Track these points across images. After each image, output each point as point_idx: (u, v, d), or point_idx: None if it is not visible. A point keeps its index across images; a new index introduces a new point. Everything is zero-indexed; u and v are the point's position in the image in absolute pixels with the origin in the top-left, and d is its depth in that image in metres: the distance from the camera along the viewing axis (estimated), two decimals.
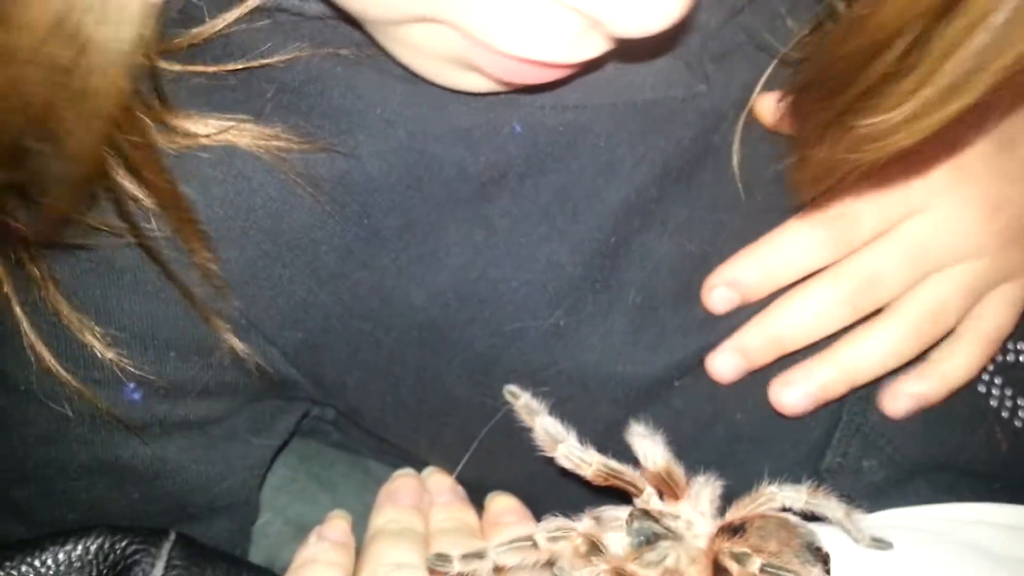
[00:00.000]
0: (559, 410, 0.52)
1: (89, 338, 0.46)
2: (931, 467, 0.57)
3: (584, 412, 0.52)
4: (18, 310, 0.46)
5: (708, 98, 0.51)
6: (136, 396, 0.48)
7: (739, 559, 0.43)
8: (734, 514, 0.47)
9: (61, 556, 0.46)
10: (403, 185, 0.48)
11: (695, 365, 0.53)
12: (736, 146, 0.52)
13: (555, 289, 0.51)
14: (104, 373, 0.47)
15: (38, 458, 0.49)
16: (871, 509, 0.55)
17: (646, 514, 0.46)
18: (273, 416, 0.55)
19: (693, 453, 0.54)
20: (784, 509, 0.47)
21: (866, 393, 0.56)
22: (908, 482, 0.56)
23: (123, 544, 0.47)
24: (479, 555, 0.44)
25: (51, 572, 0.46)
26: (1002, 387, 0.58)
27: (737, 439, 0.56)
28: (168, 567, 0.47)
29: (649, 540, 0.45)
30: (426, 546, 0.51)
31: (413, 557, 0.48)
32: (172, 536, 0.48)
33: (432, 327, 0.51)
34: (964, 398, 0.56)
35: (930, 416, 0.56)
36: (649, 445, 0.48)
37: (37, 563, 0.46)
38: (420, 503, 0.54)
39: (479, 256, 0.50)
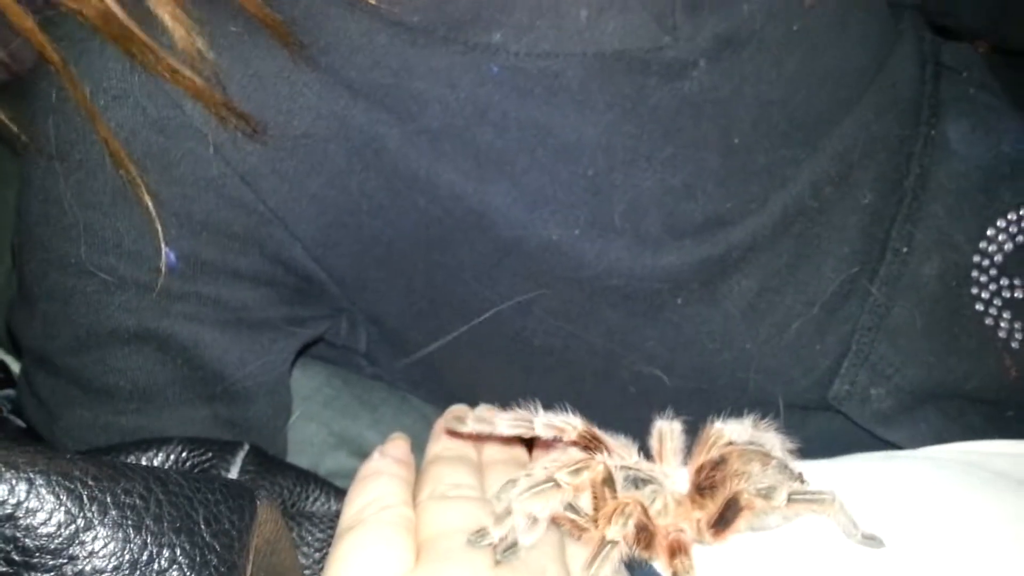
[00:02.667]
0: (561, 315, 0.57)
1: (145, 200, 0.51)
2: (940, 395, 0.59)
3: (586, 317, 0.57)
4: (72, 180, 0.51)
5: (673, 48, 0.54)
6: (173, 260, 0.52)
7: (737, 477, 0.45)
8: (702, 456, 0.48)
9: (143, 462, 0.50)
10: (395, 116, 0.52)
11: (690, 280, 0.56)
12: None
13: (544, 211, 0.54)
14: (146, 244, 0.52)
15: (89, 326, 0.53)
16: (882, 436, 0.59)
17: (625, 466, 0.47)
18: (302, 320, 0.59)
19: (704, 379, 0.58)
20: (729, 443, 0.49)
21: (876, 323, 0.58)
22: (917, 409, 0.59)
23: (200, 452, 0.51)
24: (506, 513, 0.43)
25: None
26: (1011, 320, 0.59)
27: (747, 368, 0.58)
28: (242, 472, 0.51)
29: (637, 485, 0.46)
30: (480, 474, 0.51)
31: (470, 480, 0.49)
32: (246, 447, 0.52)
33: (438, 228, 0.55)
34: (971, 330, 0.59)
35: (937, 346, 0.59)
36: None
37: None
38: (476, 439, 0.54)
39: (473, 175, 0.53)
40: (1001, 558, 0.47)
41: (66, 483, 0.29)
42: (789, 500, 0.44)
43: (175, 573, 0.30)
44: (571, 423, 0.47)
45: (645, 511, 0.45)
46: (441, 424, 0.54)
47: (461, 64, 0.52)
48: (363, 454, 0.63)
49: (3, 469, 0.29)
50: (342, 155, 0.53)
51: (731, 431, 0.49)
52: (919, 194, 0.60)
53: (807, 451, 0.56)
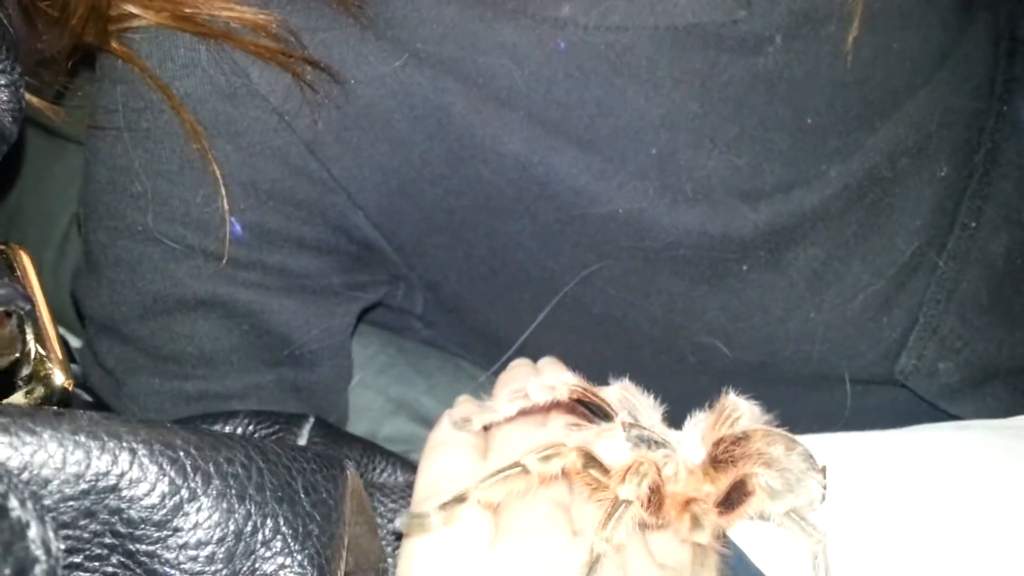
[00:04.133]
0: (622, 285, 0.57)
1: (213, 169, 0.51)
2: (1007, 370, 0.58)
3: (647, 285, 0.56)
4: (140, 150, 0.52)
5: (748, 22, 0.53)
6: (238, 230, 0.53)
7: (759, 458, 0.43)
8: (722, 428, 0.46)
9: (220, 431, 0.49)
10: (464, 84, 0.52)
11: (759, 247, 0.56)
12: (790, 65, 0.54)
13: (611, 183, 0.54)
14: (213, 213, 0.52)
15: (156, 292, 0.54)
16: (947, 411, 0.58)
17: (636, 425, 0.45)
18: (363, 285, 0.60)
19: (766, 350, 0.57)
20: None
21: (945, 296, 0.57)
22: (985, 384, 0.58)
23: (267, 424, 0.50)
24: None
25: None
26: None
27: (812, 340, 0.58)
28: (310, 444, 0.51)
29: (650, 447, 0.43)
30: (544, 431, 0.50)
31: (535, 440, 0.48)
32: (311, 419, 0.51)
33: (500, 197, 0.54)
34: None
35: (1006, 320, 0.58)
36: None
37: None
38: None
39: (539, 145, 0.53)
40: None
41: (168, 452, 0.29)
42: (785, 513, 0.42)
43: (279, 544, 0.30)
44: (561, 381, 0.45)
45: (659, 472, 0.42)
46: (503, 380, 0.54)
47: (528, 40, 0.51)
48: (420, 418, 0.64)
49: (105, 439, 0.28)
50: (406, 124, 0.53)
51: (746, 407, 0.46)
52: (989, 169, 0.59)
53: (869, 424, 0.56)
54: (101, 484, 0.28)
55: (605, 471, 0.42)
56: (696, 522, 0.41)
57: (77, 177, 0.65)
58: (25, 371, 0.32)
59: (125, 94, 0.51)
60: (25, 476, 0.26)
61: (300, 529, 0.30)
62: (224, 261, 0.53)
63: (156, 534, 0.28)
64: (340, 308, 0.59)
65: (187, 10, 0.49)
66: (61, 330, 0.70)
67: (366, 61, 0.51)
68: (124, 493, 0.28)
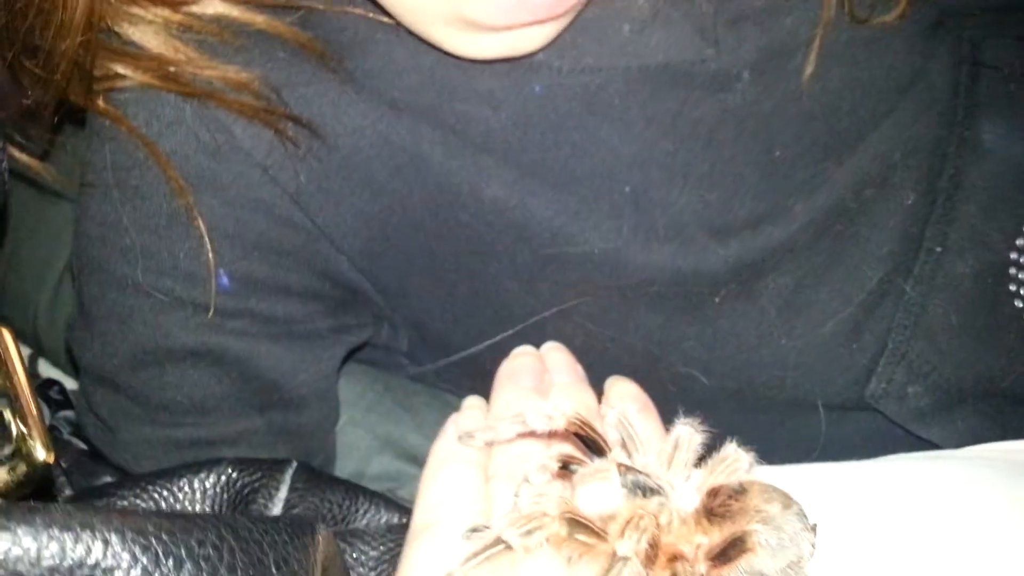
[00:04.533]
0: (601, 320, 0.58)
1: (198, 223, 0.53)
2: (978, 393, 0.59)
3: (625, 320, 0.58)
4: (128, 207, 0.54)
5: (718, 61, 0.54)
6: (225, 282, 0.54)
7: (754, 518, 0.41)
8: (719, 478, 0.44)
9: (196, 483, 0.51)
10: (442, 131, 0.54)
11: (729, 280, 0.57)
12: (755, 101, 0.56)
13: (587, 223, 0.55)
14: (200, 265, 0.54)
15: (147, 344, 0.56)
16: (918, 435, 0.59)
17: (633, 468, 0.42)
18: (348, 328, 0.61)
19: (742, 377, 0.59)
20: None
21: (912, 321, 0.58)
22: (955, 408, 0.59)
23: (250, 471, 0.52)
24: None
25: (187, 497, 0.51)
26: None
27: (783, 365, 0.59)
28: (292, 490, 0.52)
29: (645, 494, 0.41)
30: None
31: (537, 449, 0.47)
32: (294, 464, 0.53)
33: (479, 240, 0.56)
34: (1008, 327, 0.59)
35: (974, 343, 0.59)
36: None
37: (175, 488, 0.51)
38: (540, 384, 0.52)
39: (515, 188, 0.55)
40: None
41: (141, 540, 0.30)
42: (781, 571, 0.41)
43: None
44: (560, 412, 0.43)
45: (657, 525, 0.41)
46: (505, 370, 0.53)
47: (504, 85, 0.53)
48: (408, 456, 0.65)
49: (79, 530, 0.30)
50: (386, 173, 0.54)
51: (746, 459, 0.45)
52: (952, 194, 0.60)
53: (844, 451, 0.57)
54: (77, 575, 0.29)
55: (592, 532, 0.40)
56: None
57: (71, 223, 0.67)
58: (7, 450, 0.33)
59: (113, 152, 0.53)
60: (0, 572, 0.28)
61: None
62: (212, 312, 0.55)
63: None
64: (326, 351, 0.60)
65: (172, 69, 0.52)
66: (57, 373, 0.72)
67: (345, 114, 0.53)
68: None
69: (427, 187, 0.55)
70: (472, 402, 0.52)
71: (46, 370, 0.74)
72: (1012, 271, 0.60)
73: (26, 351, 0.74)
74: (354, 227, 0.56)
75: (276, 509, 0.51)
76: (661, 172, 0.55)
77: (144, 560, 0.30)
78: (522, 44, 0.50)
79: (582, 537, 0.40)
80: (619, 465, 0.42)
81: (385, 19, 0.52)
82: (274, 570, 0.33)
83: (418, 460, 0.64)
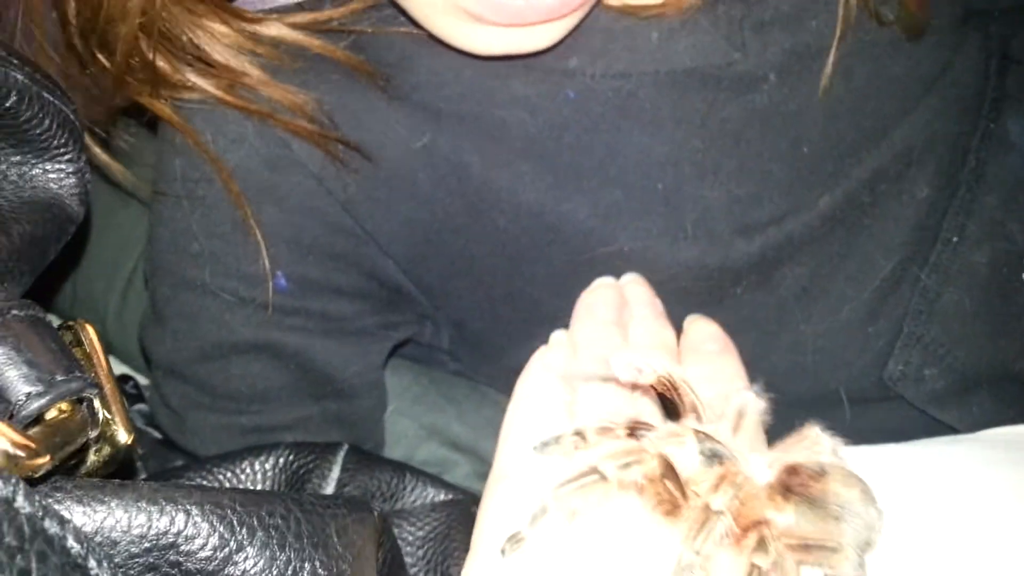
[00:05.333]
0: None
1: (256, 233, 0.58)
2: (993, 378, 0.61)
3: None
4: (197, 215, 0.58)
5: (744, 64, 0.57)
6: (283, 283, 0.59)
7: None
8: (800, 454, 0.42)
9: (256, 466, 0.55)
10: (481, 139, 0.57)
11: (750, 272, 0.60)
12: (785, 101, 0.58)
13: (618, 224, 0.58)
14: (260, 268, 0.58)
15: (214, 339, 0.61)
16: (937, 418, 0.61)
17: (709, 435, 0.41)
18: (395, 324, 0.66)
19: (763, 363, 0.60)
20: None
21: (927, 307, 0.61)
22: (971, 391, 0.61)
23: (305, 454, 0.56)
24: (542, 511, 0.38)
25: (248, 478, 0.55)
26: None
27: (803, 349, 0.61)
28: (343, 470, 0.56)
29: (721, 461, 0.40)
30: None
31: (621, 396, 0.46)
32: (345, 447, 0.57)
33: (516, 244, 0.60)
34: (1019, 312, 0.61)
35: (989, 328, 0.61)
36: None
37: (238, 470, 0.55)
38: (619, 317, 0.52)
39: (550, 193, 0.58)
40: None
41: (218, 511, 0.34)
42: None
43: None
44: (650, 366, 0.42)
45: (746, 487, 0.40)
46: (584, 302, 0.54)
47: (540, 91, 0.57)
48: (451, 443, 0.69)
49: (163, 503, 0.34)
50: (429, 182, 0.58)
51: (828, 443, 0.43)
52: (973, 186, 0.62)
53: (866, 444, 0.59)
54: (162, 542, 0.33)
55: (679, 483, 0.39)
56: (762, 545, 0.38)
57: (138, 228, 0.73)
58: (95, 434, 0.37)
59: (183, 166, 0.58)
60: (98, 539, 0.32)
61: (333, 570, 0.35)
62: (271, 310, 0.59)
63: None
64: (375, 346, 0.65)
65: (236, 85, 0.56)
66: (130, 370, 0.77)
67: (392, 129, 0.57)
68: (182, 548, 0.33)
69: (467, 195, 0.58)
70: (558, 337, 0.52)
71: (116, 367, 0.78)
72: None
73: None
74: (400, 233, 0.60)
75: (329, 488, 0.55)
76: (692, 169, 0.58)
77: (221, 528, 0.34)
78: (529, 42, 0.52)
79: (669, 484, 0.38)
80: (695, 431, 0.41)
81: (422, 33, 0.55)
82: (335, 538, 0.37)
83: (460, 447, 0.69)
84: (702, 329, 0.53)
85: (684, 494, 0.39)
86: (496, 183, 0.58)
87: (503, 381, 0.71)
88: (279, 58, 0.56)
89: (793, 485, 0.40)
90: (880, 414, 0.63)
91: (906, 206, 0.61)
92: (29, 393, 0.34)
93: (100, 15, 0.52)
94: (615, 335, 0.51)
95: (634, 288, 0.56)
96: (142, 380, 0.73)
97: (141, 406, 0.70)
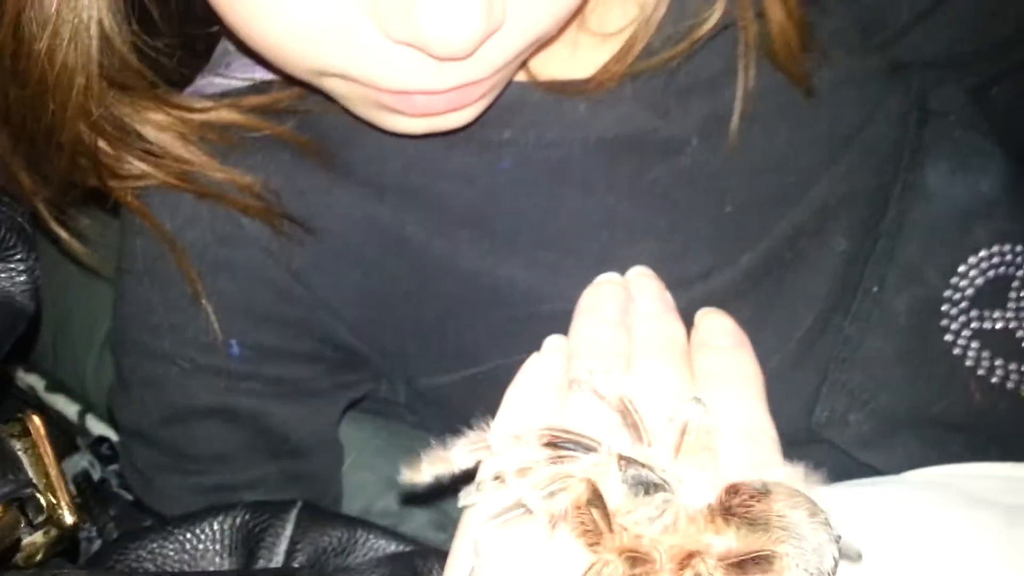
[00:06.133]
0: None
1: (206, 305, 0.62)
2: (915, 421, 0.64)
3: None
4: (156, 290, 0.63)
5: (667, 129, 0.61)
6: (236, 351, 0.63)
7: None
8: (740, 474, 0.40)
9: (215, 526, 0.57)
10: (423, 209, 0.61)
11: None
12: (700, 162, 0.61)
13: (553, 284, 0.61)
14: (212, 337, 0.62)
15: (175, 404, 0.65)
16: (862, 461, 0.63)
17: (635, 462, 0.38)
18: (349, 384, 0.70)
19: None
20: None
21: (849, 355, 0.63)
22: (895, 434, 0.63)
23: (260, 514, 0.59)
24: (476, 553, 0.36)
25: (208, 538, 0.57)
26: (979, 349, 0.64)
27: None
28: (296, 527, 0.59)
29: (648, 491, 0.37)
30: (628, 365, 0.45)
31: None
32: (299, 505, 0.60)
33: (460, 305, 0.63)
34: (939, 359, 0.64)
35: (908, 373, 0.64)
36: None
37: (198, 531, 0.57)
38: (625, 315, 0.49)
39: (489, 257, 0.61)
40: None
41: None
42: None
43: None
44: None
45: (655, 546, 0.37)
46: (588, 298, 0.51)
47: (477, 162, 0.60)
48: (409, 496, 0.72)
49: None
50: (374, 250, 0.62)
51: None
52: (894, 235, 0.65)
53: None
54: None
55: (604, 512, 0.37)
56: None
57: (110, 298, 0.77)
58: (41, 518, 0.41)
59: (143, 245, 0.63)
60: None
61: None
62: (226, 377, 0.64)
63: None
64: (329, 406, 0.69)
65: (188, 171, 0.60)
66: (104, 427, 0.81)
67: (338, 203, 0.61)
68: None
69: (412, 261, 0.62)
70: (553, 343, 0.49)
71: (94, 425, 0.83)
72: (945, 307, 0.65)
73: (76, 407, 0.85)
74: (350, 299, 0.64)
75: (283, 545, 0.59)
76: (623, 229, 0.61)
77: None
78: (447, 123, 0.54)
79: (597, 516, 0.36)
80: (619, 458, 0.38)
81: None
82: None
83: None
84: (714, 323, 0.50)
85: (609, 525, 0.36)
86: (438, 250, 0.61)
87: (461, 434, 0.75)
88: (228, 140, 0.60)
89: (733, 506, 0.37)
90: (810, 457, 0.65)
91: (826, 259, 0.64)
92: None
93: (43, 123, 0.56)
94: (618, 336, 0.47)
95: (641, 281, 0.52)
96: (116, 438, 0.78)
97: (116, 466, 0.74)
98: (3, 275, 0.49)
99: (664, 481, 0.38)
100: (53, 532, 0.43)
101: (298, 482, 0.68)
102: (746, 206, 0.63)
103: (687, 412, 0.40)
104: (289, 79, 0.58)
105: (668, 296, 0.51)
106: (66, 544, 0.44)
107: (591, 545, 0.36)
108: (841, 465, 0.64)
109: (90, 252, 0.69)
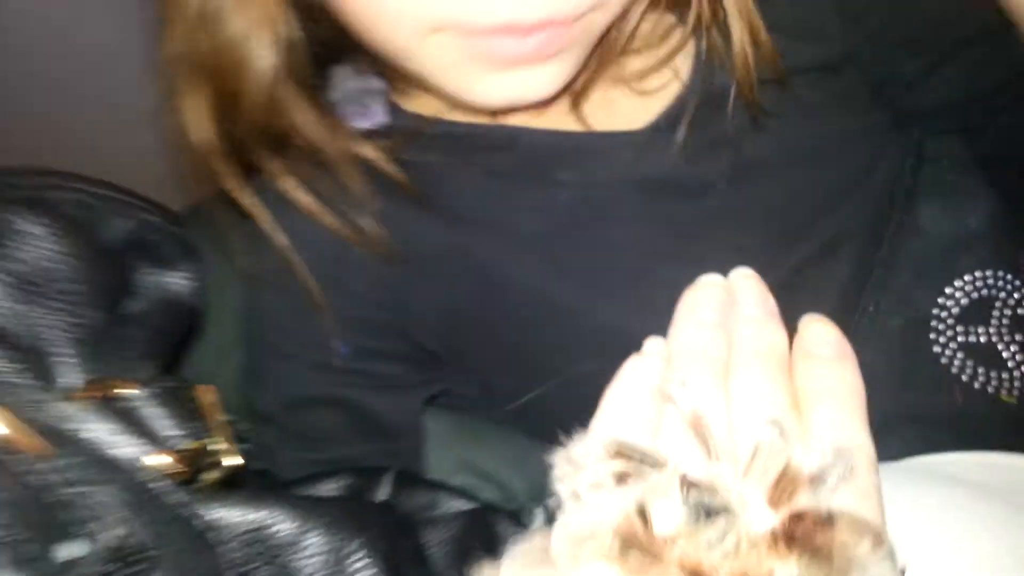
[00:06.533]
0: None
1: (322, 313, 0.73)
2: (909, 418, 0.72)
3: None
4: (280, 297, 0.74)
5: (698, 173, 0.70)
6: (344, 351, 0.75)
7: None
8: (799, 499, 0.36)
9: (324, 488, 0.66)
10: (493, 237, 0.72)
11: None
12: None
13: (602, 301, 0.71)
14: (325, 339, 0.74)
15: (294, 394, 0.78)
16: None
17: (697, 484, 0.36)
18: (433, 380, 0.83)
19: None
20: None
21: None
22: (891, 431, 0.70)
23: (362, 476, 0.68)
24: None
25: (323, 495, 0.66)
26: (964, 359, 0.71)
27: None
28: (392, 487, 0.68)
29: (709, 515, 0.35)
30: (726, 371, 0.42)
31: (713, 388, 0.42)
32: (392, 472, 0.69)
33: (524, 319, 0.73)
34: (927, 368, 0.73)
35: (898, 380, 0.72)
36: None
37: (313, 490, 0.66)
38: (726, 319, 0.46)
39: (547, 278, 0.71)
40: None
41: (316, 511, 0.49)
42: None
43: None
44: (685, 399, 0.38)
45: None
46: (689, 301, 0.49)
47: (538, 197, 0.71)
48: (480, 474, 0.85)
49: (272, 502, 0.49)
50: (454, 272, 0.73)
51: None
52: (889, 266, 0.73)
53: None
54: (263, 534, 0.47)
55: (649, 550, 0.35)
56: None
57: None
58: (210, 460, 0.50)
59: (267, 255, 0.73)
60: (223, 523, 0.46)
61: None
62: (336, 372, 0.78)
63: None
64: (416, 397, 0.82)
65: (315, 192, 0.70)
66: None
67: (424, 230, 0.75)
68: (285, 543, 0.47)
69: (484, 282, 0.73)
70: (653, 346, 0.48)
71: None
72: (933, 323, 0.73)
73: None
74: (433, 311, 0.75)
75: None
76: (659, 257, 0.70)
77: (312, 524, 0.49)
78: (529, 87, 0.61)
79: (637, 555, 0.34)
80: (683, 480, 0.36)
81: (453, 159, 0.71)
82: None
83: (487, 478, 0.85)
84: (818, 332, 0.47)
85: (657, 556, 0.34)
86: (507, 270, 0.72)
87: (524, 424, 0.87)
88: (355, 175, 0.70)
89: (797, 534, 0.35)
90: None
91: (828, 286, 0.72)
92: (172, 435, 0.47)
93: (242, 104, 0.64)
94: (717, 340, 0.45)
95: (744, 283, 0.50)
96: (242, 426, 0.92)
97: (244, 445, 0.88)
98: (175, 280, 0.60)
99: (727, 504, 0.35)
100: (218, 473, 0.51)
101: (393, 458, 0.80)
102: (761, 240, 0.71)
103: (762, 435, 0.38)
104: (392, 74, 0.69)
105: (771, 300, 0.49)
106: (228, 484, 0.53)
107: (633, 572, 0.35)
108: None
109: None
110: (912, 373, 0.74)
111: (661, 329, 0.61)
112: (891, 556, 0.36)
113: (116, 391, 0.46)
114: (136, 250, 0.56)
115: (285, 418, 0.80)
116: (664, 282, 0.69)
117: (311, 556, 0.46)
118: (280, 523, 0.47)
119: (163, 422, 0.47)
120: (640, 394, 0.42)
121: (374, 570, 0.48)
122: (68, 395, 0.44)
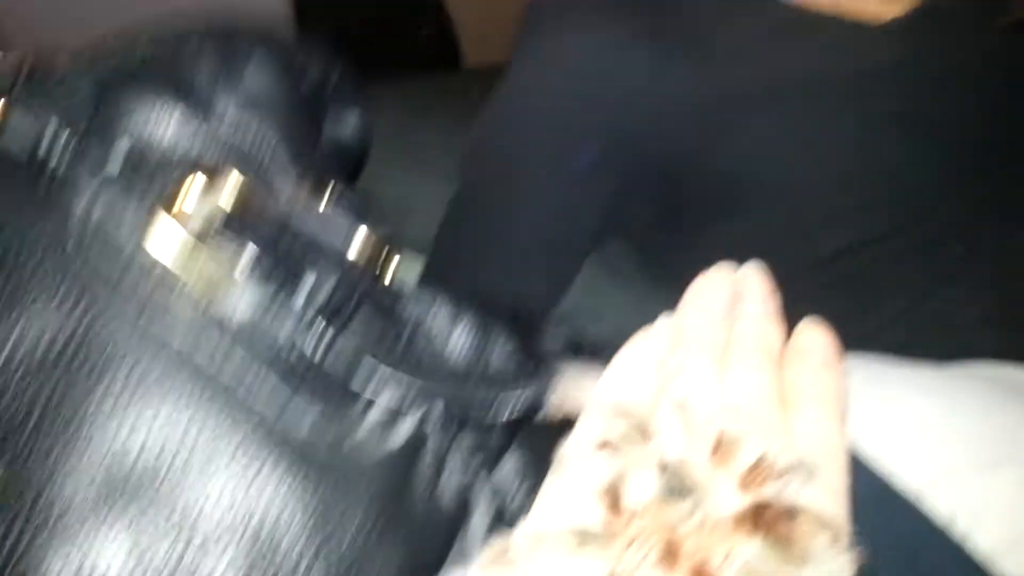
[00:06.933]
0: None
1: None
2: None
3: None
4: None
5: None
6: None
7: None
8: (765, 487, 0.38)
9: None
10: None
11: None
12: None
13: None
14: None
15: None
16: None
17: (669, 467, 0.38)
18: None
19: None
20: None
21: None
22: None
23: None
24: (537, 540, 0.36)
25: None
26: None
27: None
28: None
29: (681, 492, 0.37)
30: (724, 362, 0.44)
31: (708, 375, 0.43)
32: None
33: None
34: None
35: None
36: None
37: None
38: (731, 311, 0.47)
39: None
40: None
41: None
42: None
43: None
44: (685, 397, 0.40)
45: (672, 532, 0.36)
46: (697, 290, 0.48)
47: None
48: None
49: None
50: None
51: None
52: None
53: None
54: None
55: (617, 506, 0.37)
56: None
57: None
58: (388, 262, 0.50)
59: None
60: None
61: None
62: None
63: None
64: None
65: None
66: None
67: None
68: None
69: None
70: (663, 323, 0.47)
71: None
72: None
73: None
74: None
75: None
76: None
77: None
78: None
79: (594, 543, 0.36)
80: (661, 457, 0.38)
81: None
82: None
83: None
84: (812, 337, 0.47)
85: (615, 530, 0.36)
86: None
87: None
88: None
89: (762, 519, 0.37)
90: None
91: None
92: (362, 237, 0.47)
93: None
94: (719, 330, 0.46)
95: (752, 280, 0.49)
96: None
97: None
98: (348, 124, 0.60)
99: (698, 484, 0.38)
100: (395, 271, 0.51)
101: None
102: None
103: (742, 421, 0.40)
104: None
105: (773, 298, 0.49)
106: None
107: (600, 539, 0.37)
108: None
109: None
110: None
111: None
112: (847, 552, 0.37)
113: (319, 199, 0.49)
114: (320, 100, 0.60)
115: None
116: None
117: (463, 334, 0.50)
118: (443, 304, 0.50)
119: (355, 226, 0.50)
120: (644, 367, 0.45)
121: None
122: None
